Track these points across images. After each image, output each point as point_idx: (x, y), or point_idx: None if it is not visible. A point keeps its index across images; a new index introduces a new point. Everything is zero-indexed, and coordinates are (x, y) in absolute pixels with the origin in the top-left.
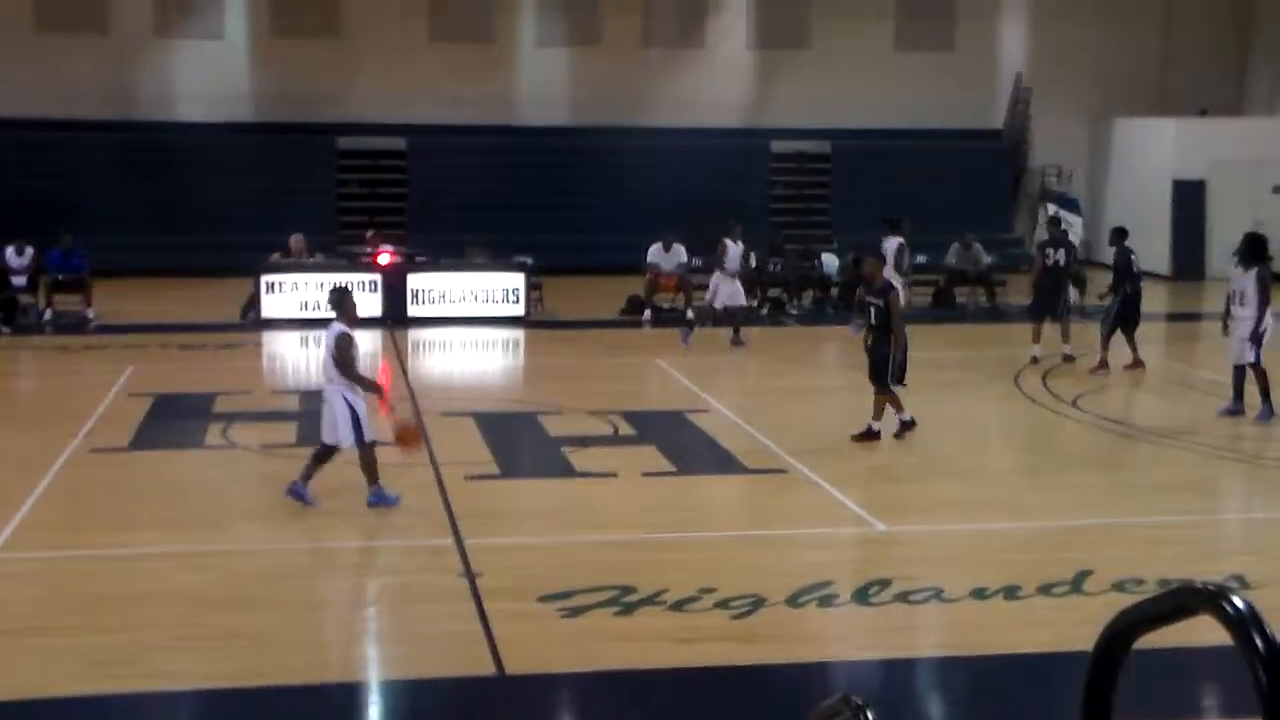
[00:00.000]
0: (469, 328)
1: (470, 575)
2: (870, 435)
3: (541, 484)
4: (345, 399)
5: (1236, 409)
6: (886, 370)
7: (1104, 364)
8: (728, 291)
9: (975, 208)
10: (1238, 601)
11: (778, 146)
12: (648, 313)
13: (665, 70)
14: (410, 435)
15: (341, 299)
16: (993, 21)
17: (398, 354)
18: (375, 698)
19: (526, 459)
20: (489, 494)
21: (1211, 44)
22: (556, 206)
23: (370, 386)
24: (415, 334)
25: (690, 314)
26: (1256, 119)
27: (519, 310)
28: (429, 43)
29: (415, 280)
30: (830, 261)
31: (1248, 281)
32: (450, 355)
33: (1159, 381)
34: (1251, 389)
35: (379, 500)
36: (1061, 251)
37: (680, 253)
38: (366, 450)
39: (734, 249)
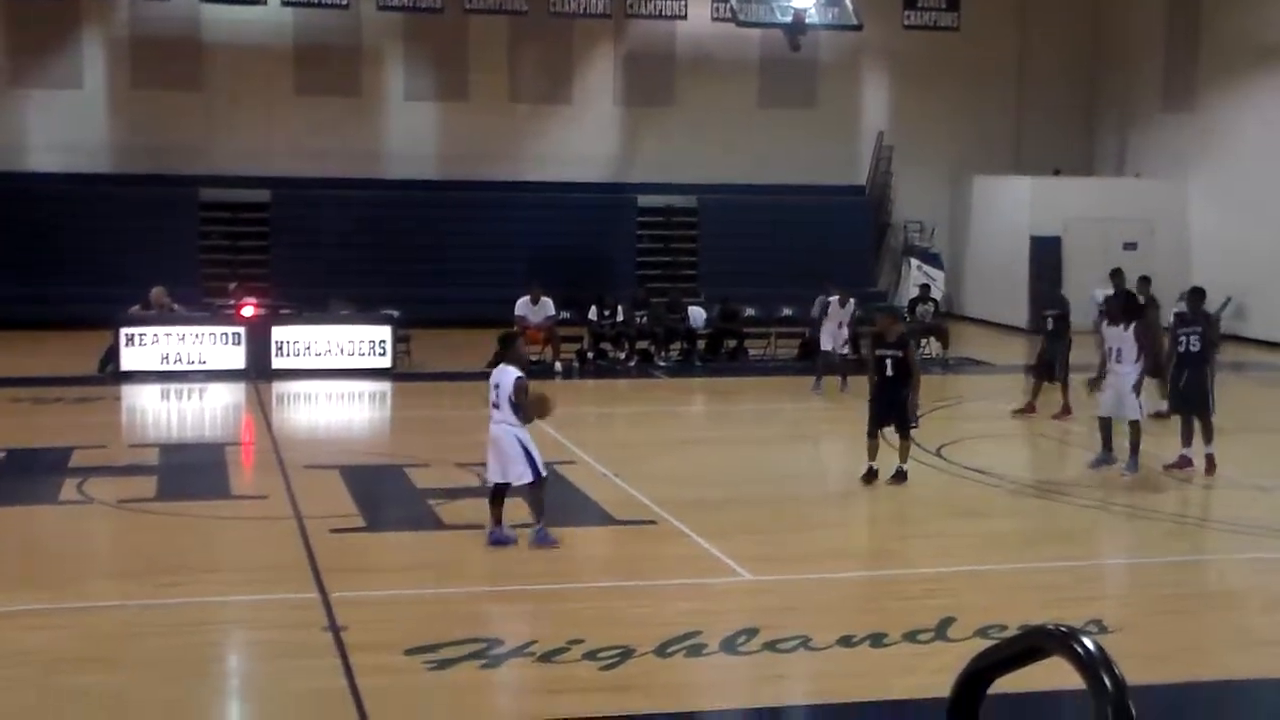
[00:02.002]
0: (335, 380)
1: (335, 629)
2: (900, 476)
3: (408, 536)
4: (518, 438)
5: (1106, 459)
6: (908, 414)
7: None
8: None
9: (839, 262)
10: (1087, 643)
11: (644, 201)
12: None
13: (532, 125)
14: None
15: (512, 343)
16: (854, 80)
17: (262, 407)
18: None
19: (393, 512)
20: (354, 547)
21: (1063, 108)
22: (424, 259)
23: (540, 415)
24: (280, 386)
25: (558, 366)
26: (1106, 178)
27: (386, 362)
28: (294, 95)
29: (280, 333)
30: (697, 314)
31: (1126, 339)
32: (315, 408)
33: (1020, 431)
34: (1122, 441)
35: (542, 540)
36: (930, 306)
37: (547, 305)
38: (539, 487)
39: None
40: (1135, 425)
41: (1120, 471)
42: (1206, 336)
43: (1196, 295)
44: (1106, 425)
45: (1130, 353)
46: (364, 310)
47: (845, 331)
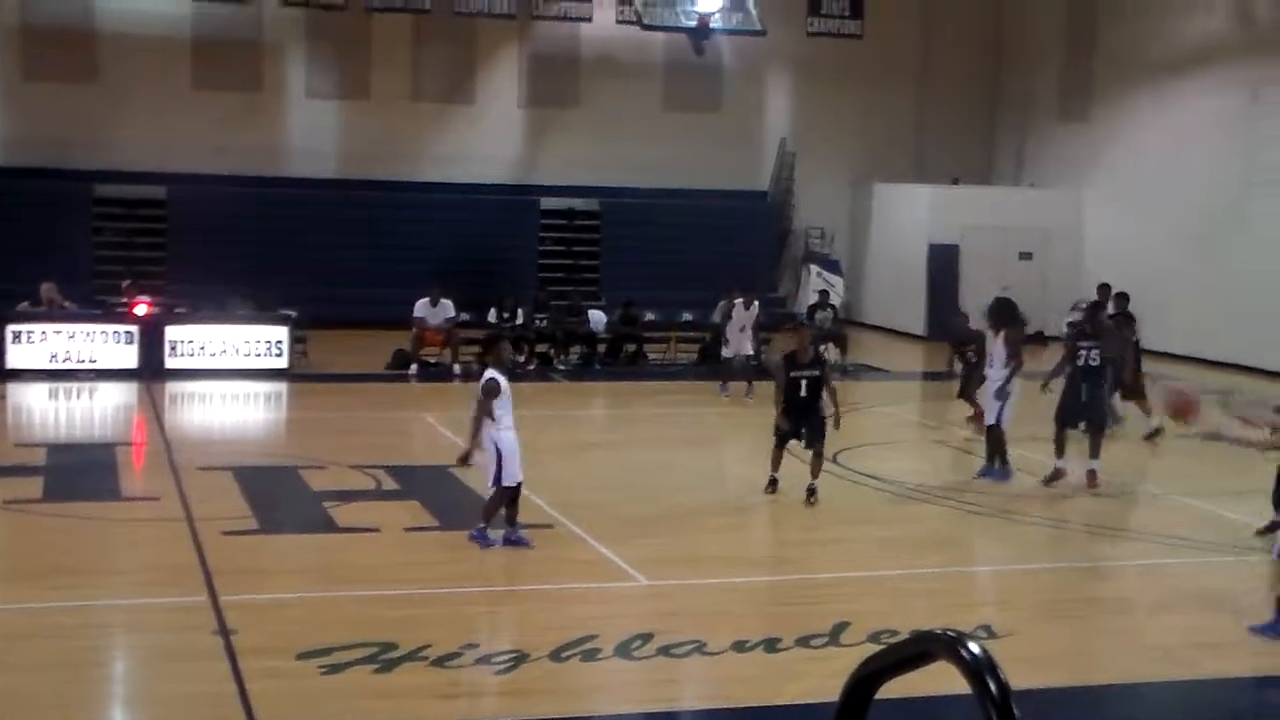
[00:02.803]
0: (229, 380)
1: (225, 632)
2: (813, 494)
3: (302, 539)
4: (493, 440)
5: (1004, 472)
6: (833, 424)
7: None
8: None
9: (741, 267)
10: (973, 647)
11: (547, 203)
12: (414, 367)
13: (435, 125)
14: (1185, 406)
15: (490, 346)
16: (758, 86)
17: (154, 407)
18: None
19: (287, 514)
20: (247, 550)
21: (964, 117)
22: (323, 259)
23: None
24: (173, 386)
25: (457, 369)
26: (1004, 188)
27: (282, 363)
28: (192, 90)
29: (174, 332)
30: (597, 317)
31: (996, 344)
32: (209, 408)
33: (914, 438)
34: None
35: (479, 536)
36: (829, 313)
37: (447, 308)
38: (500, 492)
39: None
40: (996, 430)
41: (974, 476)
42: (1104, 351)
43: (1095, 308)
44: (994, 434)
45: (1000, 359)
46: (261, 310)
47: (749, 334)
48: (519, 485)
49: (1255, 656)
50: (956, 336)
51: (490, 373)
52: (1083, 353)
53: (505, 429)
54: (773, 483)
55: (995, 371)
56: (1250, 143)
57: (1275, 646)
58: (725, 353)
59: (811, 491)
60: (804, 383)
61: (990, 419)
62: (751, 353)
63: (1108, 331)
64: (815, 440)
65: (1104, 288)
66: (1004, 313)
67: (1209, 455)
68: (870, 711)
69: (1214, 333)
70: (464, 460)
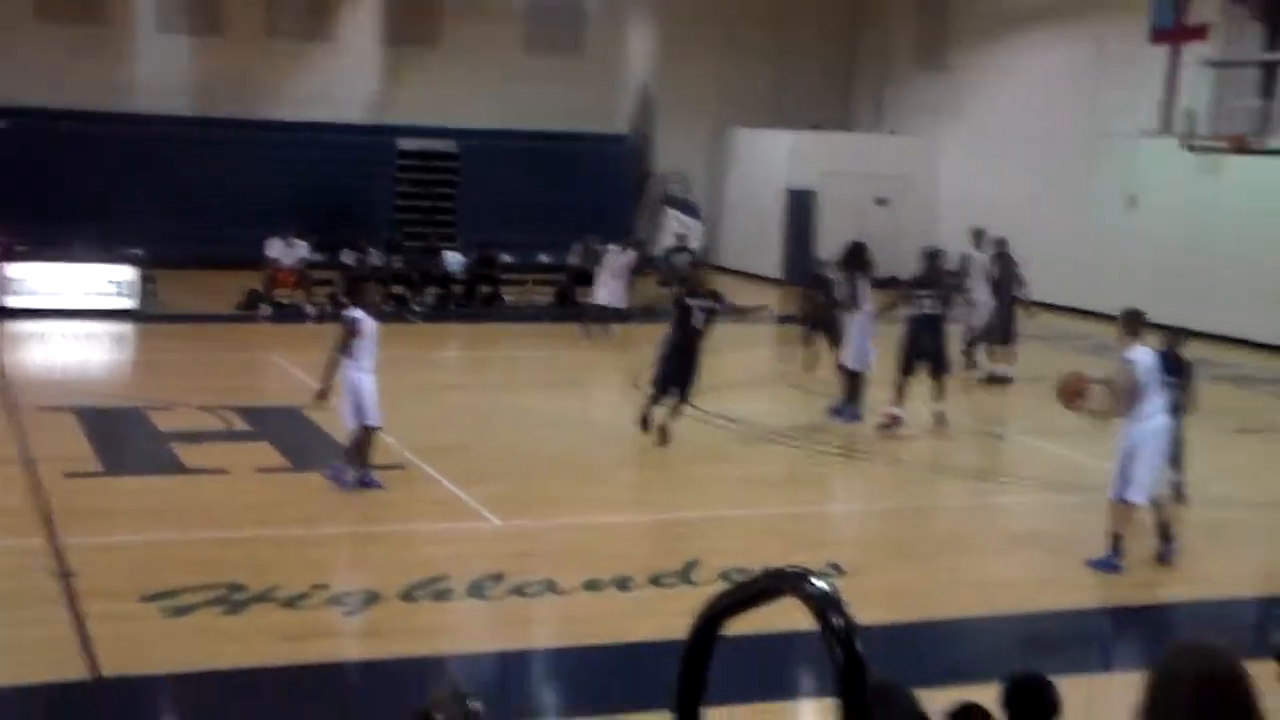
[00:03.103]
0: (75, 321)
1: (65, 576)
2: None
3: (148, 480)
4: (352, 380)
5: (854, 413)
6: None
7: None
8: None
9: (599, 210)
10: (819, 583)
11: (405, 144)
12: (266, 308)
13: (291, 63)
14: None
15: (357, 285)
16: (619, 29)
17: None
18: None
19: (133, 455)
20: (90, 491)
21: (823, 64)
22: (174, 198)
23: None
24: (14, 326)
25: (310, 309)
26: (861, 134)
27: (130, 303)
28: (34, 21)
29: (15, 270)
30: (454, 259)
31: (853, 288)
32: (53, 348)
33: (769, 380)
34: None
35: (336, 476)
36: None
37: (301, 248)
38: (360, 434)
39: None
40: (847, 371)
41: (827, 411)
42: (945, 298)
43: (933, 256)
44: (847, 375)
45: (859, 303)
46: (108, 249)
47: (622, 282)
48: (377, 428)
49: (1090, 590)
50: (808, 282)
51: (355, 311)
52: (918, 300)
53: (366, 371)
54: (648, 425)
55: (855, 315)
56: (1097, 93)
57: (1109, 579)
58: (599, 300)
59: (663, 433)
60: (701, 315)
61: (849, 362)
62: (621, 305)
63: (944, 279)
64: (685, 390)
65: (978, 233)
66: (857, 257)
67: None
68: (719, 647)
69: (1063, 278)
70: (321, 397)
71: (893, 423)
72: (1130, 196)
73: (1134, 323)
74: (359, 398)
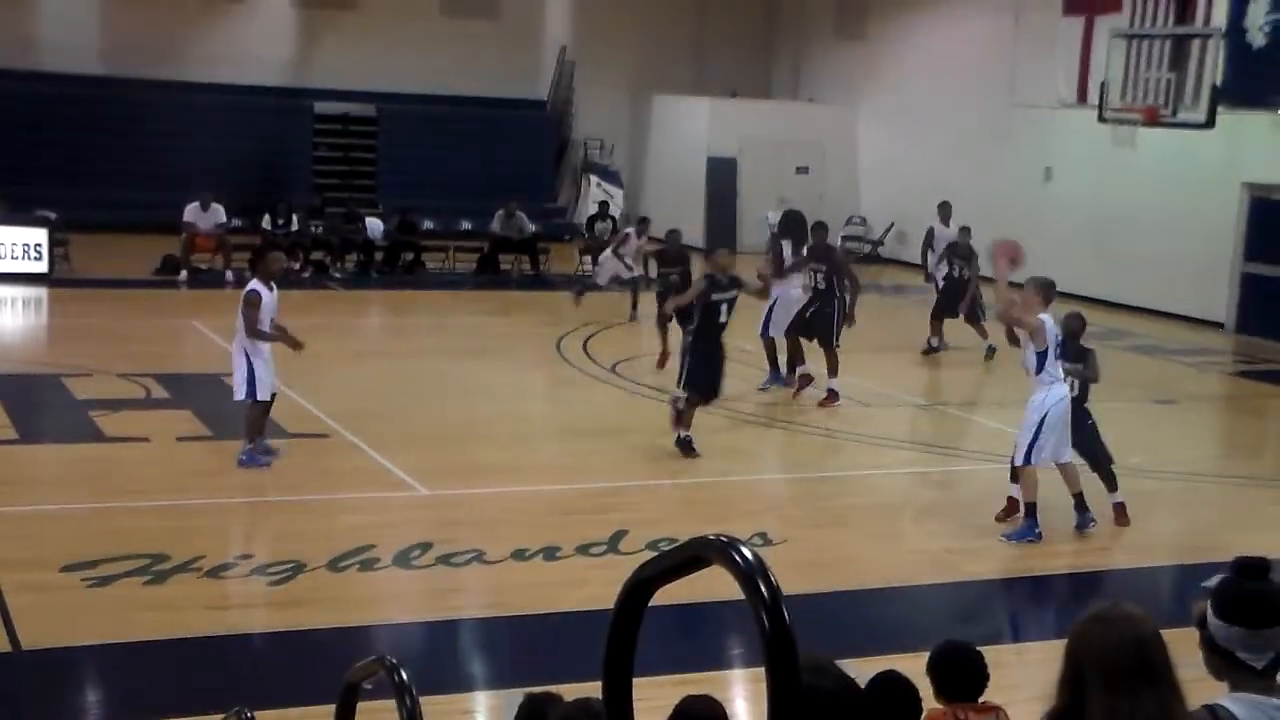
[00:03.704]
0: None
1: None
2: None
3: (66, 449)
4: (244, 352)
5: (778, 377)
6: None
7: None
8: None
9: (520, 176)
10: (746, 552)
11: (321, 108)
12: (184, 273)
13: (203, 22)
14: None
15: (259, 256)
16: None
17: None
18: None
19: (49, 423)
20: (6, 461)
21: (742, 31)
22: (85, 159)
23: (271, 339)
24: None
25: (229, 275)
26: (781, 102)
27: (42, 267)
28: None
29: None
30: (375, 225)
31: (788, 255)
32: None
33: None
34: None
35: (250, 460)
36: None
37: (219, 212)
38: (255, 408)
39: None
40: (761, 338)
41: (759, 388)
42: (831, 272)
43: (819, 230)
44: (770, 345)
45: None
46: (16, 211)
47: (632, 263)
48: (272, 398)
49: (1012, 559)
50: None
51: (254, 284)
52: (810, 273)
53: (253, 340)
54: (689, 444)
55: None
56: (1014, 64)
57: (1027, 548)
58: (601, 281)
59: (685, 444)
60: (724, 307)
61: (776, 331)
62: (626, 276)
63: (830, 253)
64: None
65: (944, 206)
66: (793, 225)
67: (975, 368)
68: (646, 617)
69: (981, 249)
70: (297, 347)
71: (804, 383)
72: (1046, 168)
73: (1047, 290)
74: (253, 369)
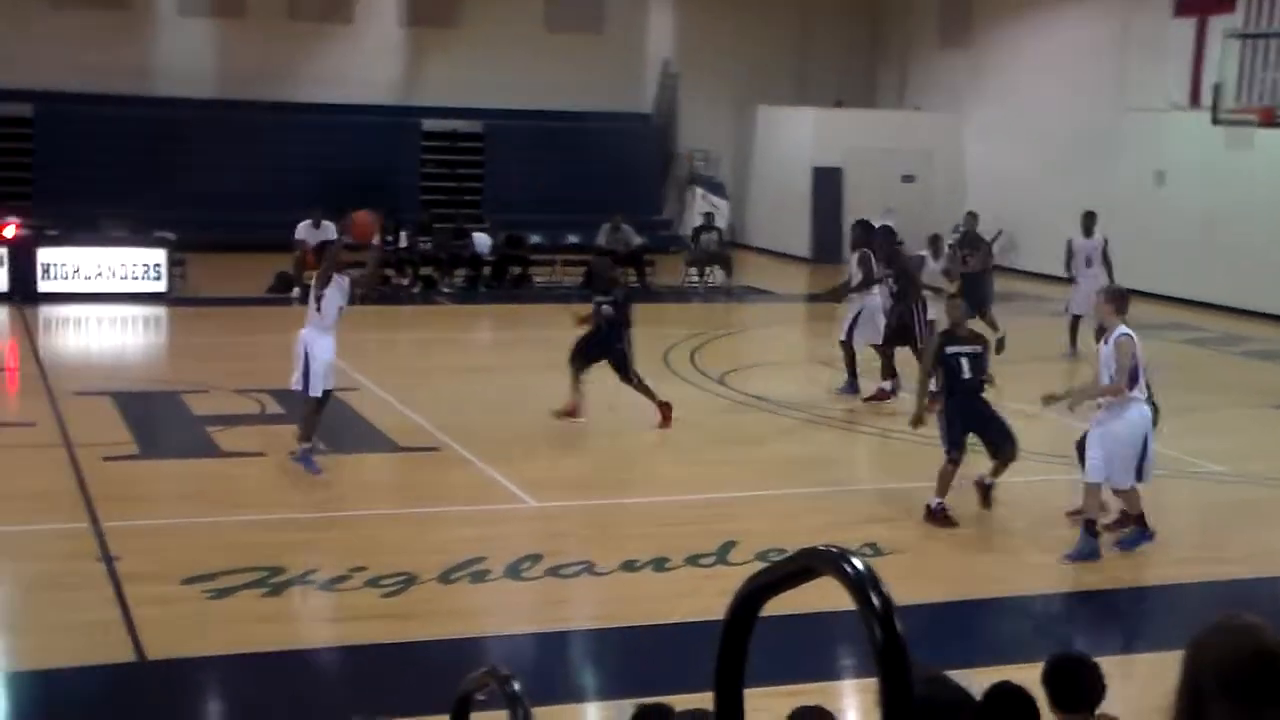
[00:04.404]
0: (106, 304)
1: (108, 559)
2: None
3: (185, 464)
4: (304, 340)
5: (854, 387)
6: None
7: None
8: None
9: (625, 190)
10: (856, 562)
11: (429, 125)
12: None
13: (313, 45)
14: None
15: (321, 251)
16: (641, 7)
17: (27, 331)
18: (6, 690)
19: (169, 439)
20: (128, 475)
21: (847, 40)
22: (201, 182)
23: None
24: (47, 310)
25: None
26: (887, 111)
27: (161, 287)
28: (56, 7)
29: (46, 254)
30: (482, 240)
31: (853, 264)
32: (86, 333)
33: (802, 359)
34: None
35: (304, 461)
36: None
37: (330, 230)
38: (310, 405)
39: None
40: (842, 345)
41: (837, 391)
42: (906, 280)
43: (889, 235)
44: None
45: (855, 278)
46: (137, 232)
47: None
48: (327, 396)
49: (1126, 569)
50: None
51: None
52: (886, 281)
53: (325, 332)
54: (945, 516)
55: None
56: (1122, 71)
57: (1144, 558)
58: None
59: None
60: (964, 361)
61: (861, 339)
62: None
63: (898, 258)
64: (1004, 445)
65: (1088, 216)
66: (860, 234)
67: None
68: (756, 628)
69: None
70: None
71: (880, 396)
72: (1158, 172)
73: (1118, 300)
74: (309, 363)
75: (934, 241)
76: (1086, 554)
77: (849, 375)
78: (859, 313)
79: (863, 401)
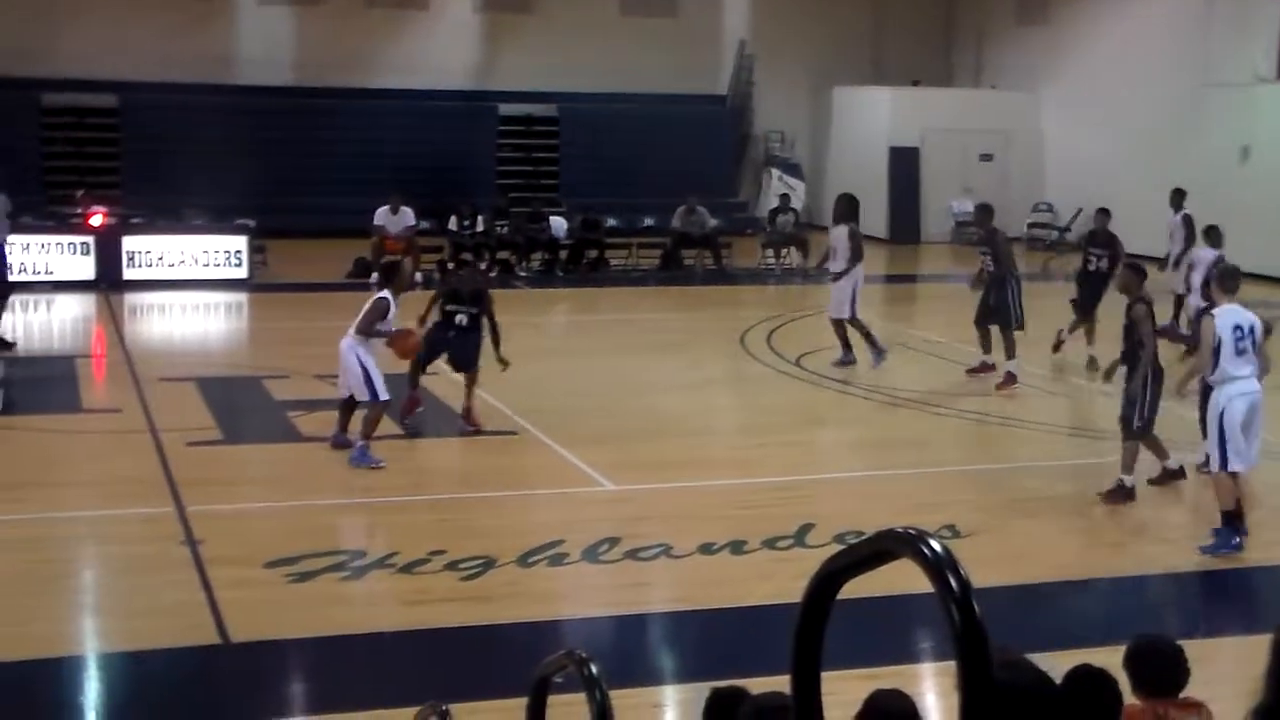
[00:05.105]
0: (189, 291)
1: (193, 543)
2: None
3: (266, 449)
4: (357, 357)
5: (848, 359)
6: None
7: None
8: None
9: (701, 172)
10: (934, 544)
11: (505, 109)
12: (375, 275)
13: (389, 31)
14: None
15: (391, 269)
16: None
17: (113, 318)
18: (96, 671)
19: (251, 424)
20: (212, 460)
21: (922, 19)
22: (280, 168)
23: (382, 335)
24: (132, 298)
25: (419, 277)
26: (963, 90)
27: (242, 273)
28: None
29: (131, 242)
30: (558, 224)
31: (839, 238)
32: (170, 319)
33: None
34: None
35: (362, 458)
36: (791, 216)
37: (407, 215)
38: (379, 408)
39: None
40: (857, 324)
41: (871, 367)
42: (996, 254)
43: (984, 213)
44: (838, 325)
45: (843, 253)
46: (219, 220)
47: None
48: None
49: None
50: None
51: (384, 294)
52: (980, 259)
53: (367, 341)
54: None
55: (839, 266)
56: (1204, 45)
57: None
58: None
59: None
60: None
61: (845, 313)
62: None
63: (994, 236)
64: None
65: (1212, 230)
66: (846, 208)
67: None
68: (835, 610)
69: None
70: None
71: (983, 369)
72: (1243, 148)
73: (1225, 280)
74: (369, 374)
75: (1211, 233)
76: (1222, 548)
77: (869, 346)
78: (855, 287)
79: (997, 389)
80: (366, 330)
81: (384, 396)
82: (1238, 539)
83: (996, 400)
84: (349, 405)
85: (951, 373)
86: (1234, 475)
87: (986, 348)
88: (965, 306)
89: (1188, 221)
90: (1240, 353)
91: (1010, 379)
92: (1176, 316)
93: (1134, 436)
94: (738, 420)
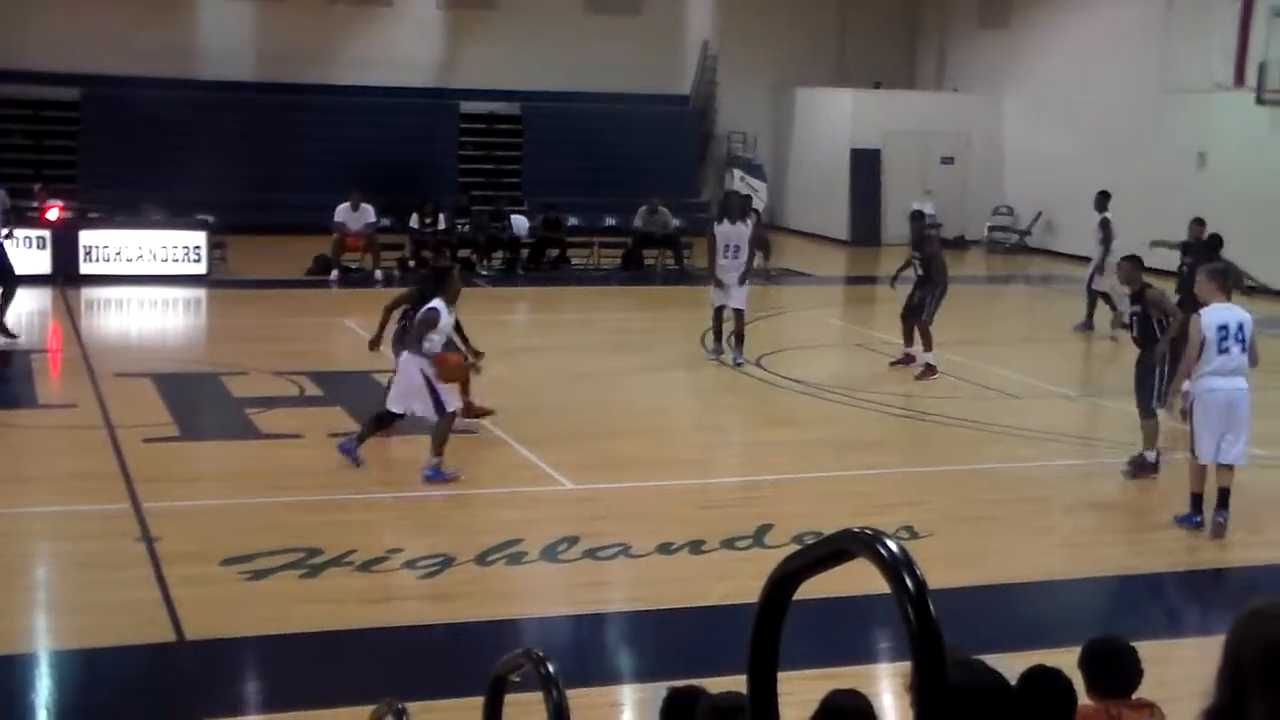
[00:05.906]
0: (147, 286)
1: (149, 540)
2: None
3: (224, 446)
4: (421, 371)
5: (718, 349)
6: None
7: None
8: None
9: (663, 172)
10: (891, 545)
11: (467, 107)
12: (335, 273)
13: (351, 27)
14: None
15: (444, 277)
16: None
17: (69, 313)
18: (48, 669)
19: (208, 420)
20: (168, 456)
21: (885, 21)
22: (241, 164)
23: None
24: (89, 292)
25: (379, 274)
26: (925, 93)
27: (200, 269)
28: None
29: (88, 237)
30: (520, 222)
31: (741, 234)
32: (127, 314)
33: (836, 342)
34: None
35: (436, 474)
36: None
37: (368, 212)
38: (448, 419)
39: None
40: (739, 314)
41: (725, 360)
42: (926, 259)
43: (917, 219)
44: (718, 315)
45: (744, 247)
46: (178, 215)
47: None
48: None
49: (1164, 554)
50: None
51: (436, 303)
52: (912, 262)
53: (420, 351)
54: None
55: (739, 261)
56: (1163, 52)
57: (1183, 542)
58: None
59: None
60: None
61: (737, 302)
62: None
63: (926, 241)
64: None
65: (1213, 238)
66: (730, 205)
67: (1122, 358)
68: (791, 610)
69: (1129, 238)
70: (373, 346)
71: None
72: (1200, 153)
73: (1219, 278)
74: (434, 386)
75: (1213, 240)
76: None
77: (736, 342)
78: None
79: (916, 379)
80: (417, 343)
81: (450, 408)
82: (1198, 518)
83: (955, 402)
84: (385, 419)
85: (910, 375)
86: (1203, 466)
87: (909, 340)
88: None
89: (1104, 225)
90: (1223, 351)
91: (930, 370)
92: (1090, 315)
93: (1152, 415)
94: (697, 420)
